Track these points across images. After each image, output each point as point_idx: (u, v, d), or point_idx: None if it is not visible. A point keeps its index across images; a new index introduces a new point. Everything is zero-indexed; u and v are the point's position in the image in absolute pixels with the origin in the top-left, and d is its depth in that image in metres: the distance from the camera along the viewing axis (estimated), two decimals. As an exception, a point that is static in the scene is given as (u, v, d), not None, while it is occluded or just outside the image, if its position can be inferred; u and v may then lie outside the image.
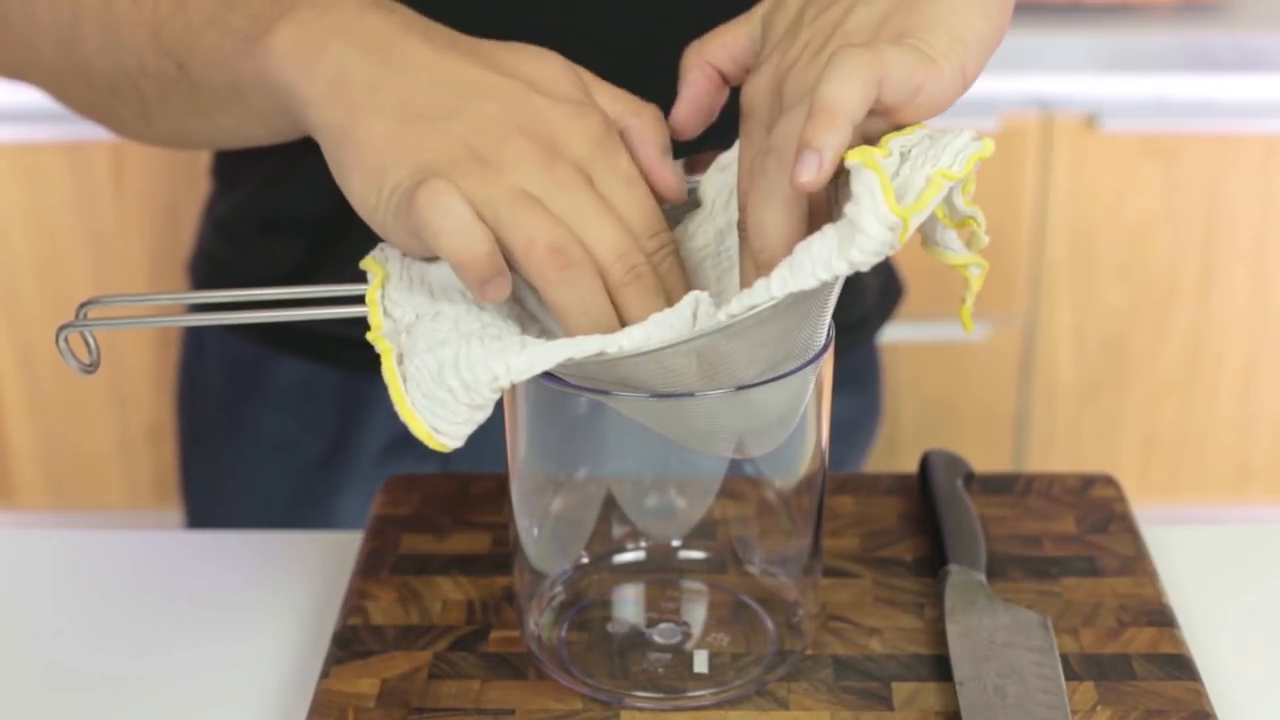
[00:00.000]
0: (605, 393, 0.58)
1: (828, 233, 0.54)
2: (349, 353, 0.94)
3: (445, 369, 0.55)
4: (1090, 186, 1.86)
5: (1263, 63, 1.82)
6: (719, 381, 0.57)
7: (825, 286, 0.55)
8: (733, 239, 0.64)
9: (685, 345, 0.55)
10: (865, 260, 0.53)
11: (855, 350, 1.02)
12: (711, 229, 0.65)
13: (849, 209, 0.53)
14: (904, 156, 0.56)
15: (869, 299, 1.02)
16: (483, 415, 0.55)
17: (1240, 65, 1.81)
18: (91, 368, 0.59)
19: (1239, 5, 1.90)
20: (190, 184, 1.86)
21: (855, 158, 0.54)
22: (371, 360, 0.57)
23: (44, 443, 2.01)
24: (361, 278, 0.61)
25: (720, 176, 0.64)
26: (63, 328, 0.58)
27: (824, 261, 0.53)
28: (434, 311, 0.57)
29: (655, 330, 0.55)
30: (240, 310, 0.60)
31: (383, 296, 0.58)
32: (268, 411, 0.99)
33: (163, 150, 1.85)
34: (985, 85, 1.97)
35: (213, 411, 1.03)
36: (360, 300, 0.60)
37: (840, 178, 0.56)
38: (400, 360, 0.56)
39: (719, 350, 0.56)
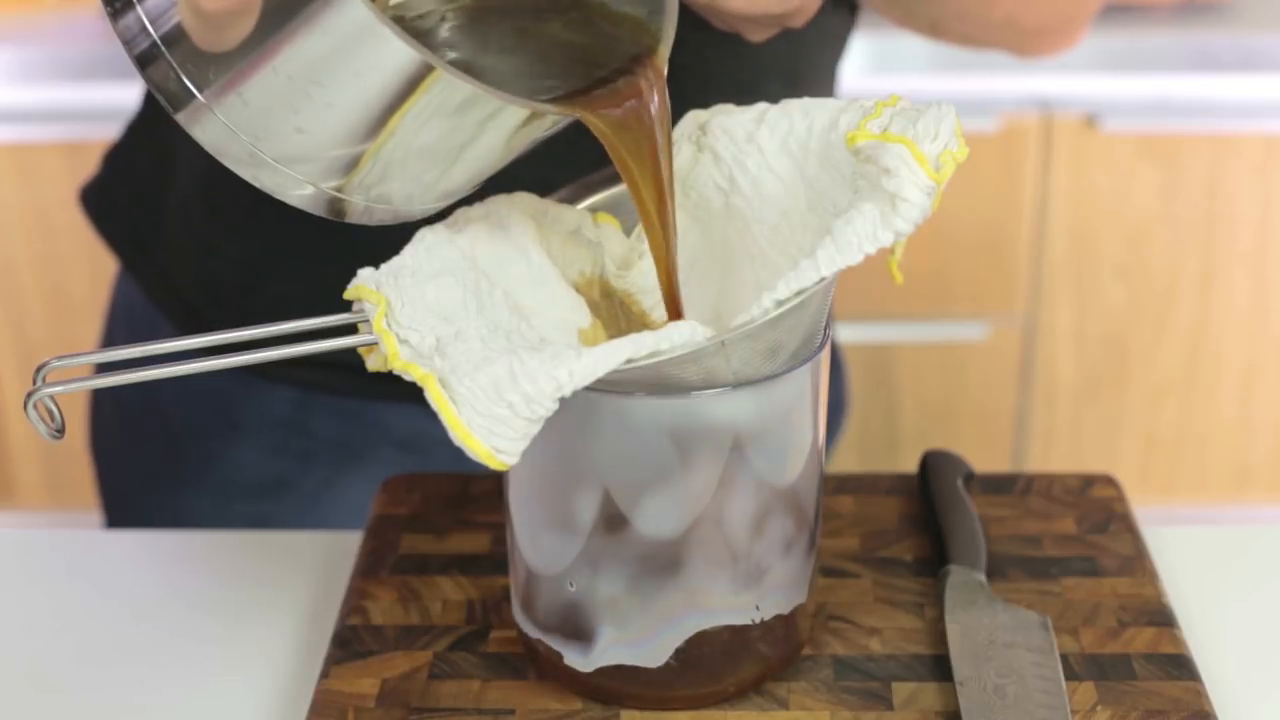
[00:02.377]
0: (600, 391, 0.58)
1: (865, 209, 0.56)
2: (346, 377, 0.91)
3: (502, 385, 0.54)
4: (1090, 186, 1.86)
5: (1263, 63, 1.82)
6: (744, 374, 0.58)
7: (826, 283, 0.56)
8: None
9: (733, 335, 0.55)
10: (908, 229, 0.56)
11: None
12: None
13: (886, 182, 0.56)
14: (886, 134, 0.59)
15: None
16: (537, 428, 0.55)
17: (1240, 65, 1.82)
18: (58, 434, 0.57)
19: (1239, 5, 1.90)
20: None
21: (873, 137, 0.56)
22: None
23: (44, 443, 2.01)
24: (329, 307, 0.59)
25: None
26: (30, 395, 0.56)
27: (869, 235, 0.56)
28: (454, 331, 0.56)
29: (697, 324, 0.56)
30: (213, 356, 0.56)
31: (390, 323, 0.57)
32: (248, 449, 0.94)
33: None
34: (985, 85, 1.99)
35: (167, 451, 0.97)
36: (348, 330, 0.58)
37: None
38: (443, 384, 0.55)
39: (762, 338, 0.56)
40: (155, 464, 0.98)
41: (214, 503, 0.95)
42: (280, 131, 0.53)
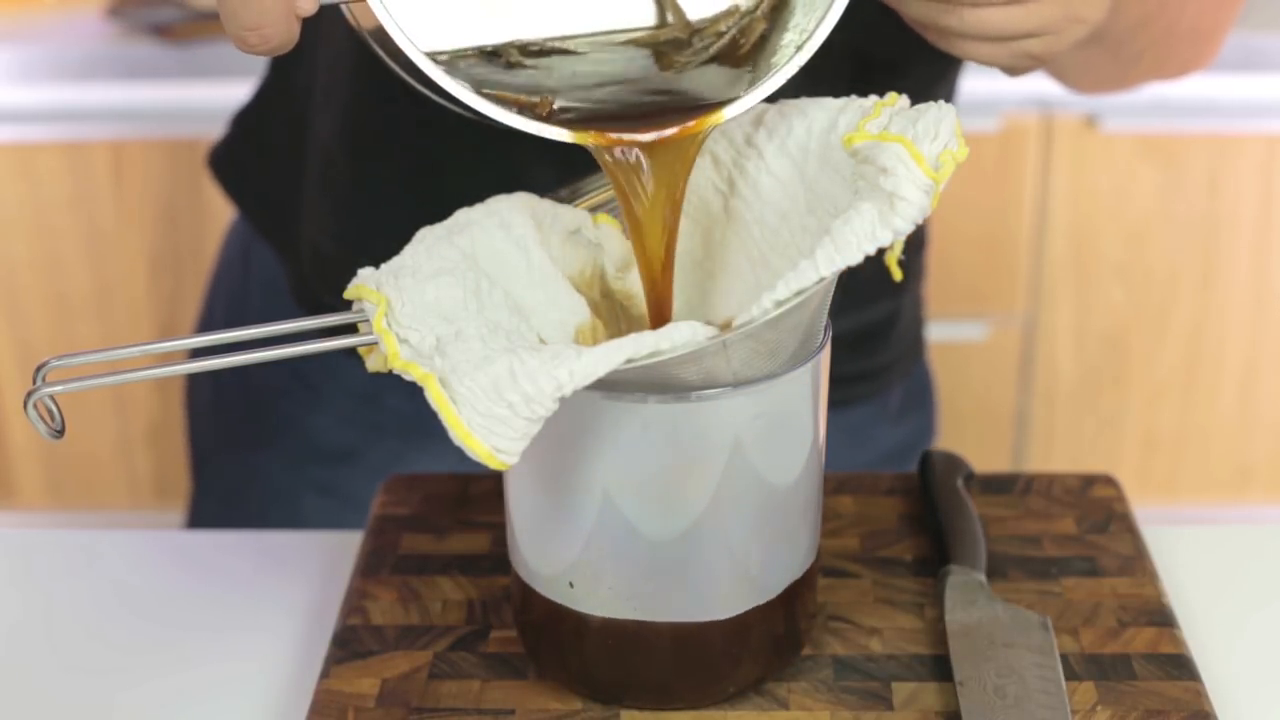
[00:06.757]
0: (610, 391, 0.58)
1: (864, 209, 0.56)
2: None
3: (502, 384, 0.53)
4: (1090, 186, 1.86)
5: (1263, 63, 1.82)
6: (744, 374, 0.58)
7: (825, 283, 0.56)
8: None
9: (733, 335, 0.56)
10: (907, 227, 0.56)
11: (874, 396, 1.03)
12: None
13: (884, 181, 0.56)
14: (884, 134, 0.59)
15: (892, 348, 1.04)
16: (537, 428, 0.54)
17: (1240, 65, 1.81)
18: (58, 434, 0.57)
19: (1239, 5, 1.90)
20: (190, 184, 1.86)
21: (870, 138, 0.56)
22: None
23: (44, 443, 2.01)
24: (333, 306, 0.60)
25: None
26: (30, 394, 0.56)
27: (868, 234, 0.56)
28: (454, 331, 0.56)
29: (697, 324, 0.56)
30: (215, 356, 0.57)
31: (390, 323, 0.57)
32: (324, 416, 0.98)
33: (163, 150, 1.86)
34: (985, 85, 1.99)
35: (250, 411, 1.02)
36: (348, 330, 0.59)
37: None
38: (443, 384, 0.55)
39: (762, 339, 0.57)
40: (238, 423, 1.03)
41: (289, 465, 0.99)
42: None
